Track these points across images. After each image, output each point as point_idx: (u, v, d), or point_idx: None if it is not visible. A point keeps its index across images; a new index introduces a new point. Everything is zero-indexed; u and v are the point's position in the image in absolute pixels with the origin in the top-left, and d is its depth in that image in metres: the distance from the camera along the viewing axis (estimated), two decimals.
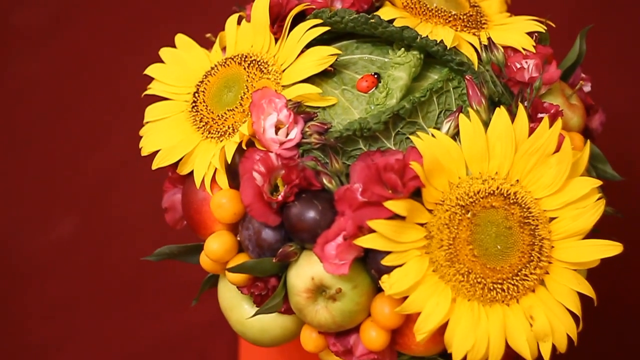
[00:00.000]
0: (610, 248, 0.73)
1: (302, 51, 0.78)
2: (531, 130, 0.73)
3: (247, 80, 0.79)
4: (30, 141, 1.42)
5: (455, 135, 0.74)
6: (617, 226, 0.82)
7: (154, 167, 0.80)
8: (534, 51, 0.80)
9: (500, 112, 0.73)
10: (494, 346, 0.71)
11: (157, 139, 0.81)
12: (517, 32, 0.82)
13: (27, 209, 1.35)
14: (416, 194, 0.71)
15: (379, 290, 0.74)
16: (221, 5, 0.97)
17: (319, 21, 0.79)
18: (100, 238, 1.31)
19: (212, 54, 0.85)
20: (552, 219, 0.74)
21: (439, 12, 0.81)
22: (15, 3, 1.56)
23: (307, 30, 0.78)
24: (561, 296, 0.73)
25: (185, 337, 1.22)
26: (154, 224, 1.10)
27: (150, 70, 0.86)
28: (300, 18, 0.81)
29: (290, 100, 0.75)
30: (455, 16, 0.81)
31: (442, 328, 0.71)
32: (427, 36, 0.78)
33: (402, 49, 0.78)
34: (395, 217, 0.70)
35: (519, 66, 0.79)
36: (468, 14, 0.82)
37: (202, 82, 0.82)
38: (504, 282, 0.72)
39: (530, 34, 0.82)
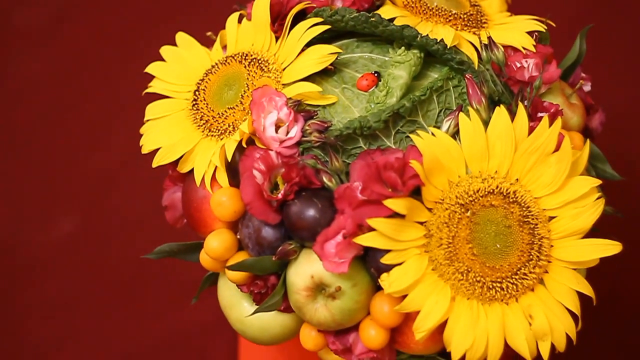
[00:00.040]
0: (610, 247, 0.73)
1: (303, 50, 0.78)
2: (531, 130, 0.73)
3: (248, 79, 0.79)
4: (30, 141, 1.42)
5: (455, 134, 0.74)
6: (617, 226, 0.82)
7: (154, 165, 0.81)
8: (534, 50, 0.80)
9: (500, 111, 0.73)
10: (493, 345, 0.71)
11: (157, 137, 0.81)
12: (517, 32, 0.82)
13: (27, 208, 1.35)
14: (416, 193, 0.71)
15: (379, 288, 0.73)
16: (222, 4, 0.97)
17: (319, 20, 0.79)
18: (101, 237, 1.31)
19: (213, 52, 0.85)
20: (551, 218, 0.74)
21: (440, 11, 0.81)
22: (15, 3, 1.56)
23: (308, 29, 0.79)
24: (560, 295, 0.73)
25: (186, 335, 1.22)
26: (154, 222, 1.10)
27: (150, 69, 0.86)
28: (300, 17, 0.81)
29: (290, 98, 0.75)
30: (456, 15, 0.81)
31: (441, 327, 0.71)
32: (427, 35, 0.78)
33: (403, 48, 0.78)
34: (395, 215, 0.70)
35: (519, 65, 0.79)
36: (468, 13, 0.82)
37: (202, 80, 0.82)
38: (503, 280, 0.72)
39: (530, 33, 0.82)
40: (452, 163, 0.72)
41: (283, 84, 0.78)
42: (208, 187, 0.78)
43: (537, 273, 0.73)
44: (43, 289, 1.28)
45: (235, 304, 0.81)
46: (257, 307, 0.78)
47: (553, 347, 0.72)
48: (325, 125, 0.75)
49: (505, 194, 0.73)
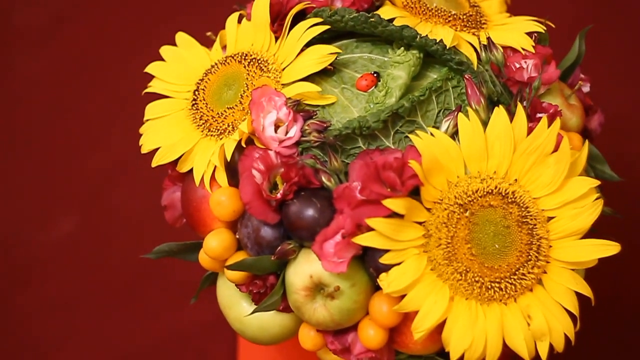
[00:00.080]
0: (608, 248, 0.73)
1: (302, 50, 0.79)
2: (530, 130, 0.73)
3: (247, 79, 0.79)
4: (30, 141, 1.42)
5: (454, 134, 0.74)
6: (616, 227, 0.82)
7: (154, 164, 0.81)
8: (533, 51, 0.80)
9: (499, 112, 0.73)
10: (491, 345, 0.71)
11: (157, 137, 0.81)
12: (516, 32, 0.82)
13: (27, 208, 1.36)
14: (415, 193, 0.71)
15: (377, 288, 0.74)
16: (222, 4, 0.97)
17: (319, 20, 0.79)
18: (100, 237, 1.31)
19: (213, 52, 0.85)
20: (550, 218, 0.74)
21: (439, 11, 0.81)
22: (16, 3, 1.56)
23: (307, 29, 0.79)
24: (559, 296, 0.73)
25: (185, 335, 1.22)
26: (153, 221, 1.10)
27: (150, 68, 0.86)
28: (300, 17, 0.81)
29: (289, 98, 0.76)
30: (455, 16, 0.81)
31: (440, 326, 0.71)
32: (426, 35, 0.78)
33: (402, 48, 0.78)
34: (394, 215, 0.70)
35: (518, 66, 0.79)
36: (468, 14, 0.82)
37: (202, 80, 0.82)
38: (502, 281, 0.72)
39: (529, 34, 0.82)
40: (451, 163, 0.72)
41: (282, 84, 0.78)
42: (207, 186, 0.78)
43: (535, 273, 0.73)
44: (43, 289, 1.28)
45: (235, 303, 0.81)
46: (256, 306, 0.78)
47: (551, 347, 0.72)
48: (325, 125, 0.75)
49: (504, 194, 0.73)
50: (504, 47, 0.80)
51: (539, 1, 1.07)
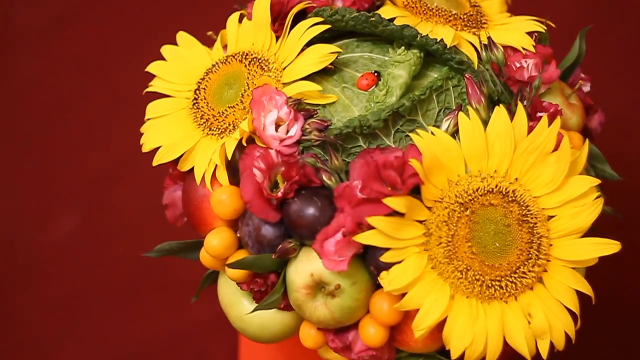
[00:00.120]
0: (609, 246, 0.73)
1: (303, 49, 0.79)
2: (530, 129, 0.73)
3: (248, 78, 0.79)
4: (30, 140, 1.42)
5: (455, 134, 0.74)
6: (616, 226, 0.82)
7: (155, 163, 0.81)
8: (534, 51, 0.80)
9: (500, 111, 0.73)
10: (492, 343, 0.71)
11: (158, 136, 0.81)
12: (517, 32, 0.82)
13: (27, 207, 1.36)
14: (415, 192, 0.71)
15: (378, 286, 0.74)
16: (222, 4, 0.97)
17: (319, 19, 0.80)
18: (101, 236, 1.31)
19: (214, 51, 0.85)
20: (550, 217, 0.74)
21: (440, 11, 0.81)
22: (16, 3, 1.56)
23: (308, 29, 0.79)
24: (559, 294, 0.73)
25: (186, 335, 1.22)
26: (154, 220, 1.10)
27: (151, 68, 0.86)
28: (301, 16, 0.81)
29: (290, 97, 0.76)
30: (456, 15, 0.81)
31: (441, 325, 0.71)
32: (427, 35, 0.78)
33: (402, 48, 0.78)
34: (395, 214, 0.70)
35: (518, 65, 0.80)
36: (468, 14, 0.82)
37: (203, 79, 0.83)
38: (502, 279, 0.73)
39: (530, 33, 0.82)
40: (452, 162, 0.72)
41: (283, 83, 0.78)
42: (208, 185, 0.78)
43: (536, 272, 0.73)
44: (43, 288, 1.28)
45: (235, 302, 0.81)
46: (257, 305, 0.78)
47: (552, 345, 0.72)
48: (325, 124, 0.75)
49: (504, 193, 0.73)
50: (505, 47, 0.80)
51: (539, 1, 1.07)
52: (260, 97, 0.75)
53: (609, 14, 1.45)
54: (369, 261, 0.73)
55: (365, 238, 0.70)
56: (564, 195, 0.73)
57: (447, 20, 0.81)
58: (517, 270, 0.73)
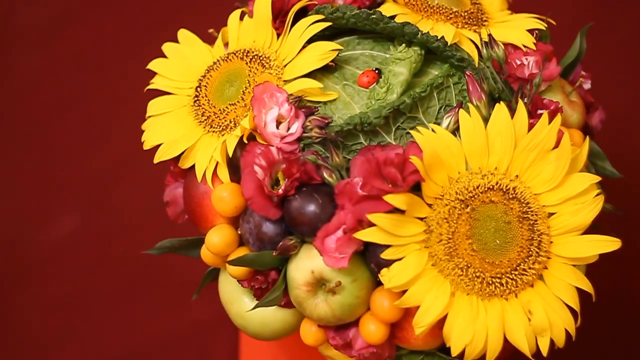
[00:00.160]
0: (609, 244, 0.73)
1: (304, 46, 0.79)
2: (531, 126, 0.73)
3: (249, 75, 0.79)
4: (30, 140, 1.42)
5: (455, 131, 0.74)
6: (617, 224, 0.82)
7: (156, 160, 0.81)
8: (534, 48, 0.80)
9: (500, 108, 0.73)
10: (492, 340, 0.71)
11: (159, 133, 0.81)
12: (517, 30, 0.82)
13: (28, 207, 1.35)
14: (416, 188, 0.72)
15: (379, 283, 0.74)
16: (223, 2, 0.97)
17: (320, 17, 0.80)
18: (101, 236, 1.31)
19: (215, 49, 0.85)
20: (551, 214, 0.74)
21: (440, 9, 0.81)
22: (16, 3, 1.56)
23: (309, 26, 0.79)
24: (560, 291, 0.73)
25: (187, 334, 1.22)
26: (155, 218, 1.10)
27: (152, 65, 0.86)
28: (302, 14, 0.81)
29: (291, 94, 0.76)
30: (457, 13, 0.81)
31: (441, 322, 0.71)
32: (428, 32, 0.78)
33: (403, 45, 0.78)
34: (395, 211, 0.70)
35: (519, 63, 0.80)
36: (469, 11, 0.82)
37: (204, 76, 0.83)
38: (503, 276, 0.73)
39: (530, 31, 0.82)
40: (452, 159, 0.73)
41: (284, 81, 0.78)
42: (209, 182, 0.78)
43: (536, 269, 0.73)
44: (44, 287, 1.28)
45: (236, 299, 0.81)
46: (257, 302, 0.78)
47: (552, 342, 0.72)
48: (326, 121, 0.75)
49: (505, 190, 0.73)
50: (505, 44, 0.81)
51: None
52: (261, 94, 0.75)
53: (610, 11, 1.45)
54: (370, 258, 0.73)
55: (365, 235, 0.70)
56: (565, 192, 0.73)
57: (448, 18, 0.81)
58: (518, 268, 0.73)
